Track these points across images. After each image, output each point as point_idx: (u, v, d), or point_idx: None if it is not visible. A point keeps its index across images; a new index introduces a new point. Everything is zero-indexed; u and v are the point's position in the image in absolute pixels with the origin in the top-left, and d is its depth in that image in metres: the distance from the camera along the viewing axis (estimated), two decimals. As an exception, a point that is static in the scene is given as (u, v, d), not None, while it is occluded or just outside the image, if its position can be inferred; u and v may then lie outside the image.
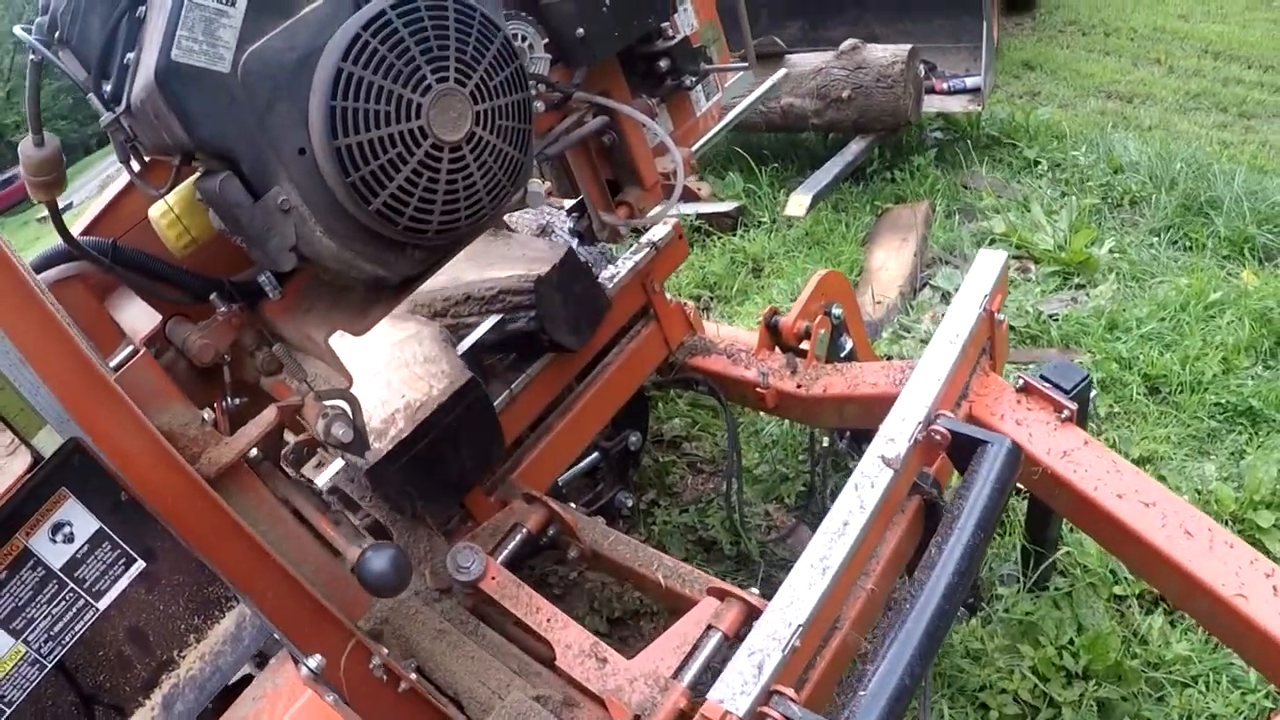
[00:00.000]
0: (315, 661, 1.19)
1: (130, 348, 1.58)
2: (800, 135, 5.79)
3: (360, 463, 1.79)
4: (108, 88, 1.33)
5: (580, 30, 1.90)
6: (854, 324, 2.65)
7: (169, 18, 1.20)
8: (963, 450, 1.80)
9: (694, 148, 2.39)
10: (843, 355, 2.58)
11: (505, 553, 2.02)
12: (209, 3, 1.22)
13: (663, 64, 2.19)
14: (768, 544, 2.94)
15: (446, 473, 2.01)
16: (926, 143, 5.52)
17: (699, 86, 2.36)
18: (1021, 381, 1.98)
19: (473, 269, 2.38)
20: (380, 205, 1.31)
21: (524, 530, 2.07)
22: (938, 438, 1.80)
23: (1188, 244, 4.14)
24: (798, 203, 4.78)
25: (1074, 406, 1.92)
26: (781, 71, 3.09)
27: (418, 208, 1.34)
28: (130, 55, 1.29)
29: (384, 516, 2.02)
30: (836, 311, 2.53)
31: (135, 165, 1.44)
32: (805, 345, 2.46)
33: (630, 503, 2.95)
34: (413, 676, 1.50)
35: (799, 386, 2.42)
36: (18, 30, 1.39)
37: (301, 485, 1.59)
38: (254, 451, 1.49)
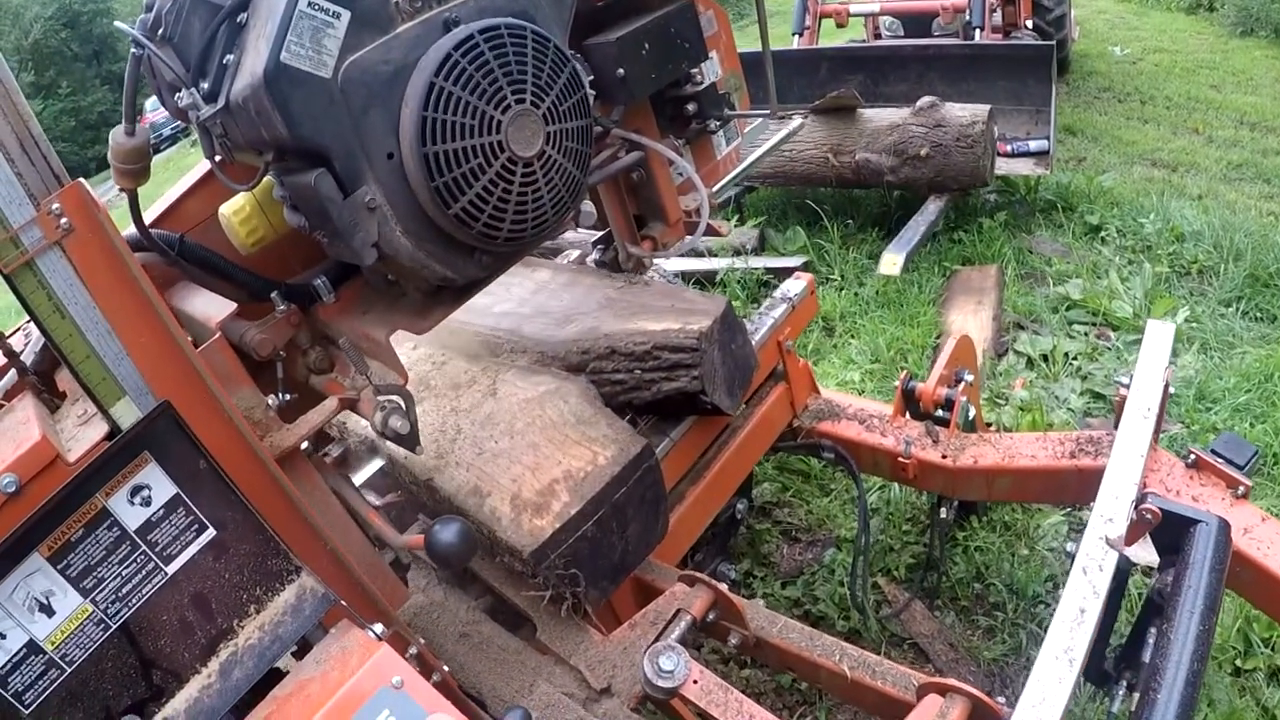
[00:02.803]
0: (379, 628, 1.27)
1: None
2: (856, 191, 5.81)
3: (522, 546, 1.69)
4: (205, 85, 1.43)
5: (621, 70, 2.03)
6: (975, 391, 2.60)
7: (279, 23, 1.31)
8: (1169, 529, 1.77)
9: (714, 189, 2.54)
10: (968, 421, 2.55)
11: (670, 641, 1.78)
12: (318, 14, 1.33)
13: (690, 108, 2.33)
14: (882, 620, 2.87)
15: (611, 553, 1.84)
16: (986, 205, 5.60)
17: (720, 131, 2.52)
18: (1192, 456, 1.96)
19: (611, 318, 2.23)
20: (459, 210, 1.43)
21: (688, 617, 1.84)
22: (1149, 516, 1.76)
23: (1259, 315, 4.22)
24: (891, 262, 4.79)
25: (1249, 482, 1.91)
26: (797, 121, 3.20)
27: (491, 215, 1.46)
28: (230, 57, 1.40)
29: (525, 603, 1.86)
30: (968, 378, 2.52)
31: (219, 160, 1.54)
32: (942, 412, 2.43)
33: (733, 574, 2.81)
34: (445, 668, 1.57)
35: (944, 457, 2.37)
36: (120, 25, 1.50)
37: (349, 479, 1.67)
38: (305, 445, 1.58)
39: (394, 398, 1.54)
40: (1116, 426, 2.18)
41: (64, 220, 1.25)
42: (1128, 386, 2.10)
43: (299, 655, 1.38)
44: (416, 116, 1.38)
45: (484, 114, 1.42)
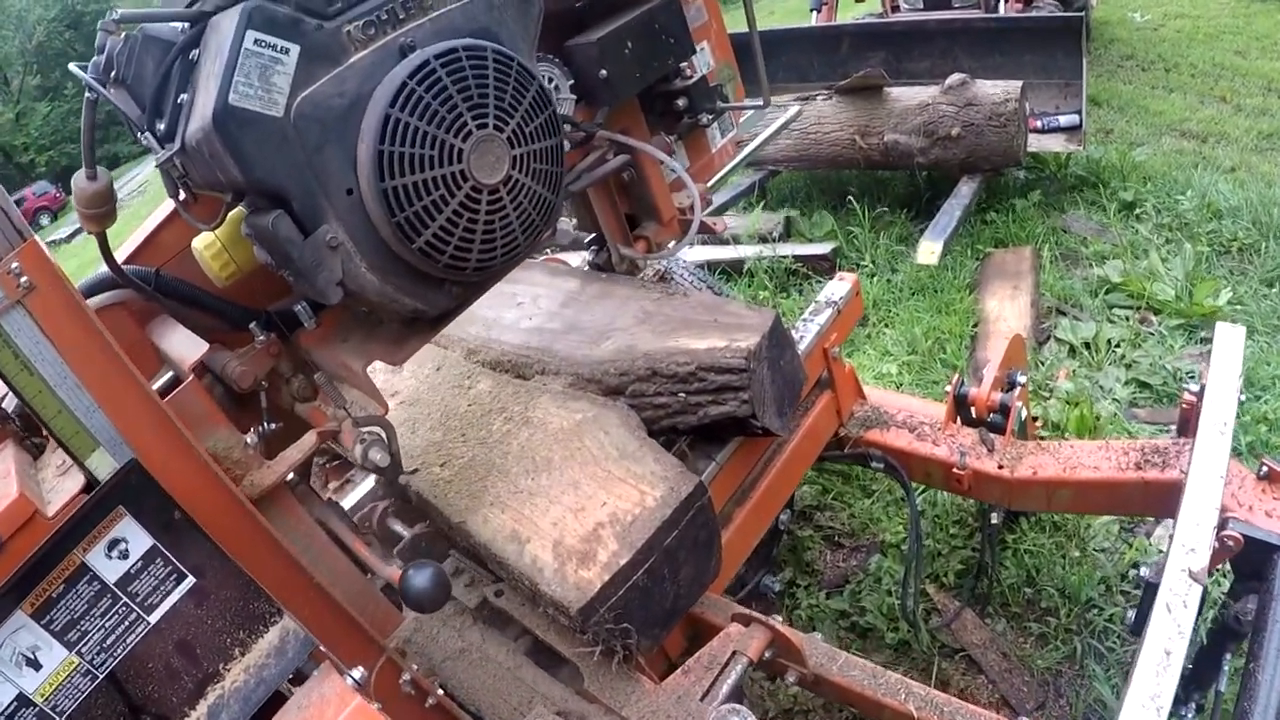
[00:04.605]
0: (358, 673, 1.27)
1: (170, 374, 1.66)
2: (882, 173, 5.64)
3: (568, 601, 1.60)
4: (161, 126, 1.42)
5: (603, 72, 1.99)
6: (1025, 391, 2.50)
7: (226, 63, 1.29)
8: (1250, 555, 1.69)
9: (709, 183, 2.48)
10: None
11: (726, 688, 1.68)
12: (265, 51, 1.31)
13: (680, 102, 2.28)
14: (932, 630, 2.79)
15: (664, 600, 1.73)
16: (1017, 184, 5.41)
17: (714, 124, 2.46)
18: (1265, 468, 1.85)
19: (649, 335, 2.07)
20: (423, 244, 1.41)
21: (745, 659, 1.73)
22: (1231, 543, 1.68)
23: (1301, 295, 4.06)
24: (929, 250, 4.62)
25: None
26: (794, 109, 3.11)
27: (458, 246, 1.44)
28: (184, 96, 1.38)
29: (573, 655, 1.76)
30: (1022, 380, 2.43)
31: (183, 199, 1.52)
32: (996, 418, 2.34)
33: (777, 587, 2.75)
34: (440, 692, 1.57)
35: (1001, 468, 2.26)
36: (73, 68, 1.48)
37: (335, 507, 1.67)
38: (290, 475, 1.57)
39: (374, 429, 1.53)
40: (1180, 433, 2.12)
41: (24, 279, 1.24)
42: (1194, 394, 2.01)
43: (296, 682, 1.40)
44: (373, 151, 1.36)
45: (444, 143, 1.39)
